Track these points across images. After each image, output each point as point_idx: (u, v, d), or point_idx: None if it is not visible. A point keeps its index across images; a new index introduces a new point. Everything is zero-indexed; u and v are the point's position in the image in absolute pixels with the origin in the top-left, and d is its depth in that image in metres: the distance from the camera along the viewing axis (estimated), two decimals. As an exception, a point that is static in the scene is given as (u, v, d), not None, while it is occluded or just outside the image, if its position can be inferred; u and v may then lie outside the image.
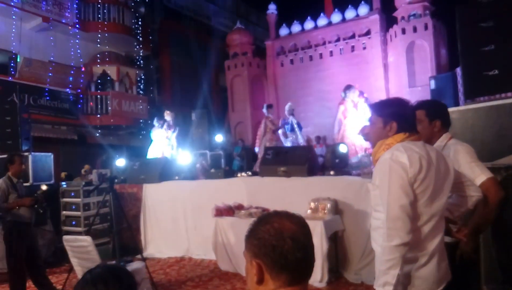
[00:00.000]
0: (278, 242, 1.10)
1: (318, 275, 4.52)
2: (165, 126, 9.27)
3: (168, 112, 9.52)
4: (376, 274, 1.87)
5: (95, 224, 6.37)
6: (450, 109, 3.89)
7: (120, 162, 7.55)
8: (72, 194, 6.96)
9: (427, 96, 5.72)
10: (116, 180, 6.96)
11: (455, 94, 6.22)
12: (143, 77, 15.36)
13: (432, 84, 6.06)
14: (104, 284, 1.25)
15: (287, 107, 9.42)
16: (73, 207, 6.93)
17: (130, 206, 6.93)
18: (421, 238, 1.83)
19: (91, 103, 13.58)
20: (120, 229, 5.58)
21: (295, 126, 8.99)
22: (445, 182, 1.91)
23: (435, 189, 1.85)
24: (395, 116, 1.97)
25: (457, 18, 3.92)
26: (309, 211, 5.06)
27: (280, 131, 9.13)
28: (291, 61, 12.21)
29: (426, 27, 9.31)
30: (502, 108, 3.54)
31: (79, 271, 4.30)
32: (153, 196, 6.69)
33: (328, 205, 4.97)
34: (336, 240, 4.98)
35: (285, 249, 1.10)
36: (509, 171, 2.63)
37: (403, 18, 9.80)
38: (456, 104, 6.15)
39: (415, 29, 9.45)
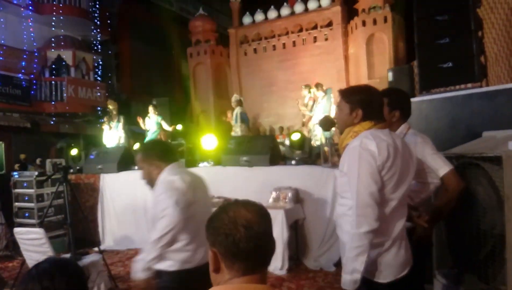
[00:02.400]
0: (231, 230, 1.10)
1: (279, 262, 4.58)
2: (109, 117, 9.03)
3: (110, 101, 9.25)
4: (343, 261, 1.90)
5: (49, 216, 6.12)
6: (406, 100, 4.03)
7: (74, 151, 7.25)
8: (25, 184, 6.65)
9: (385, 87, 5.88)
10: (71, 170, 6.73)
11: (412, 86, 6.43)
12: (101, 62, 14.76)
13: (390, 76, 6.24)
14: (50, 279, 1.19)
15: (233, 98, 9.41)
16: (26, 198, 6.63)
17: (87, 197, 6.70)
18: (386, 223, 1.87)
19: (45, 89, 12.92)
20: (75, 221, 5.38)
21: (238, 117, 8.99)
22: (409, 169, 1.95)
23: (400, 176, 1.89)
24: (361, 104, 1.98)
25: (414, 11, 4.03)
26: (270, 200, 5.10)
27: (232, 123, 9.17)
28: (255, 50, 12.16)
29: (385, 20, 9.54)
30: (455, 100, 3.70)
31: (31, 265, 4.11)
32: (111, 186, 6.50)
33: (289, 194, 5.04)
34: (296, 228, 5.05)
35: (237, 237, 1.09)
36: (460, 160, 2.74)
37: (363, 10, 9.98)
38: (412, 95, 6.32)
39: (375, 22, 9.66)
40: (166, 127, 8.87)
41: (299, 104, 8.56)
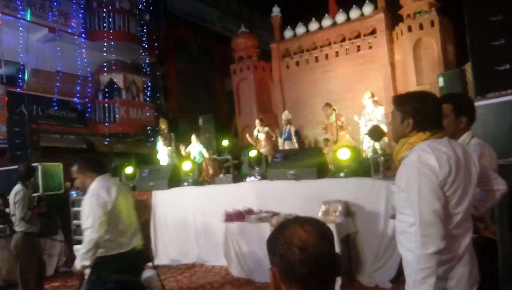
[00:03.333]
0: (285, 251, 1.04)
1: (331, 279, 4.46)
2: (162, 136, 9.38)
3: (162, 120, 9.58)
4: (409, 284, 1.80)
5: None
6: (462, 106, 3.83)
7: (129, 169, 7.55)
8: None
9: (436, 93, 5.64)
10: (125, 188, 7.01)
11: (464, 90, 6.12)
12: (149, 84, 15.43)
13: (441, 81, 5.97)
14: None
15: (283, 116, 9.47)
16: (84, 216, 6.95)
17: (140, 214, 6.88)
18: (451, 240, 1.75)
19: (98, 112, 13.66)
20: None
21: (292, 134, 9.03)
22: (472, 179, 1.83)
23: (464, 188, 1.78)
24: (412, 112, 1.88)
25: (465, 13, 3.85)
26: (320, 214, 4.99)
27: (279, 140, 9.21)
28: (297, 63, 12.16)
29: (432, 24, 9.20)
30: (515, 104, 3.47)
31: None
32: (163, 203, 6.68)
33: (339, 208, 4.91)
34: (348, 243, 4.90)
35: (291, 259, 1.02)
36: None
37: (408, 15, 9.70)
38: (467, 100, 6.05)
39: (421, 26, 9.35)
40: (205, 154, 9.13)
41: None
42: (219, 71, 18.92)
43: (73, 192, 7.41)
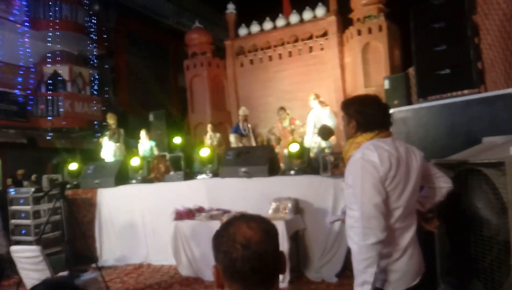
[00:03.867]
0: (229, 248, 1.03)
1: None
2: (110, 131, 9.03)
3: (110, 114, 9.24)
4: (354, 273, 1.88)
5: (46, 233, 6.04)
6: (404, 108, 4.02)
7: (73, 166, 7.19)
8: (21, 201, 6.57)
9: (381, 95, 5.90)
10: (68, 186, 6.66)
11: (408, 93, 6.44)
12: (97, 77, 14.81)
13: (386, 84, 6.25)
14: None
15: (241, 112, 9.47)
16: (23, 215, 6.55)
17: (84, 213, 6.62)
18: (394, 233, 1.87)
19: (41, 105, 12.90)
20: (73, 237, 5.31)
21: (250, 131, 9.06)
22: (414, 175, 1.94)
23: (405, 184, 1.89)
24: (355, 114, 2.02)
25: (411, 19, 4.04)
26: (270, 211, 5.04)
27: (232, 136, 9.18)
28: (251, 61, 12.18)
29: (380, 29, 9.59)
30: (453, 106, 3.68)
31: (28, 284, 4.03)
32: (109, 201, 6.42)
33: (289, 205, 4.98)
34: (297, 239, 4.99)
35: (234, 256, 1.02)
36: (461, 166, 2.71)
37: (358, 19, 10.04)
38: (409, 103, 6.37)
39: (370, 31, 9.71)
40: (156, 151, 8.88)
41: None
42: (172, 67, 18.55)
43: (11, 190, 6.95)
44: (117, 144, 8.91)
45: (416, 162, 1.97)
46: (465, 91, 3.88)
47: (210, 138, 9.53)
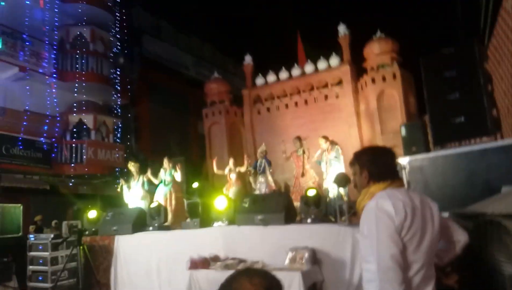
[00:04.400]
0: None
1: (298, 329, 4.33)
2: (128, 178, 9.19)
3: (131, 163, 9.44)
4: None
5: (62, 280, 6.04)
6: (420, 156, 4.00)
7: (92, 212, 7.28)
8: (40, 247, 6.65)
9: (399, 142, 5.87)
10: (87, 232, 6.72)
11: (425, 140, 6.38)
12: (120, 125, 15.29)
13: (403, 131, 6.22)
14: None
15: (259, 149, 9.66)
16: (41, 261, 6.60)
17: (101, 260, 6.60)
18: (413, 287, 1.78)
19: (65, 152, 13.31)
20: (88, 285, 5.29)
21: (267, 166, 9.15)
22: (431, 227, 1.89)
23: (422, 235, 1.84)
24: (366, 164, 2.03)
25: (422, 68, 4.12)
26: (287, 261, 4.92)
27: (251, 169, 9.31)
28: (268, 109, 12.45)
29: (394, 77, 9.75)
30: (470, 155, 3.65)
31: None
32: (126, 248, 6.41)
33: (306, 255, 4.85)
34: (315, 292, 4.82)
35: None
36: (480, 218, 2.64)
37: (372, 68, 10.26)
38: (427, 150, 6.31)
39: (384, 79, 9.88)
40: (178, 178, 8.93)
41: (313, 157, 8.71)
42: (192, 115, 19.06)
43: (31, 236, 7.05)
44: (141, 189, 9.02)
45: (432, 214, 1.93)
46: (482, 139, 3.85)
47: (230, 170, 9.56)
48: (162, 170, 9.14)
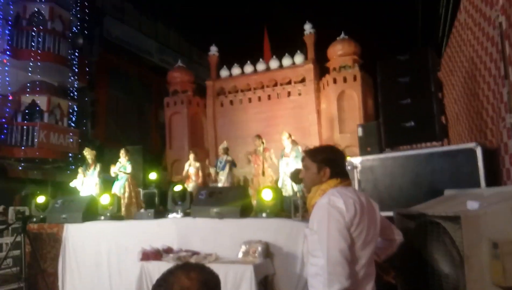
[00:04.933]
0: None
1: (245, 322, 4.39)
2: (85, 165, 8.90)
3: (87, 149, 9.15)
4: None
5: (5, 268, 5.76)
6: (371, 157, 4.15)
7: (41, 199, 6.98)
8: (-18, 234, 6.29)
9: (355, 142, 6.08)
10: (34, 219, 6.45)
11: (379, 141, 6.61)
12: (76, 109, 14.71)
13: (360, 131, 6.42)
14: None
15: (221, 145, 9.66)
16: (-17, 248, 6.26)
17: (49, 248, 6.36)
18: (358, 281, 1.86)
19: (16, 134, 12.65)
20: (33, 274, 5.09)
21: (226, 164, 9.16)
22: (375, 225, 2.00)
23: (367, 232, 1.93)
24: (328, 162, 2.07)
25: (378, 72, 4.26)
26: (240, 254, 4.97)
27: (212, 170, 9.27)
28: (231, 102, 12.43)
29: (355, 78, 10.05)
30: (417, 158, 3.82)
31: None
32: (75, 237, 6.20)
33: (259, 248, 4.92)
34: (266, 285, 4.90)
35: None
36: (421, 218, 2.79)
37: (334, 68, 10.51)
38: (381, 150, 6.55)
39: (345, 80, 10.15)
40: (128, 169, 8.76)
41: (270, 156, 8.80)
42: (154, 103, 18.67)
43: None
44: (94, 178, 8.75)
45: (375, 212, 2.04)
46: (429, 143, 4.05)
47: (189, 165, 9.50)
48: (118, 162, 8.91)
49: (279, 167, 8.36)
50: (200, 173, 9.61)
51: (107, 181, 9.71)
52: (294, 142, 8.51)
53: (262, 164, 8.94)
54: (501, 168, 3.52)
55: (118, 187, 8.75)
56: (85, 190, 8.74)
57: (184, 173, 9.71)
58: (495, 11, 3.26)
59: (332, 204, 1.88)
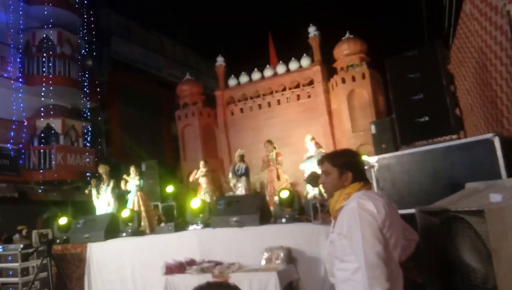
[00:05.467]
0: None
1: (275, 329, 4.38)
2: (97, 182, 9.01)
3: (101, 165, 9.26)
4: None
5: (34, 291, 5.87)
6: (387, 155, 4.12)
7: (63, 220, 7.10)
8: (10, 258, 6.43)
9: (369, 140, 6.05)
10: (58, 241, 6.57)
11: (394, 137, 6.56)
12: (90, 129, 14.96)
13: (373, 129, 6.38)
14: None
15: (237, 153, 9.69)
16: (10, 272, 6.38)
17: (74, 268, 6.46)
18: (394, 283, 1.85)
19: (33, 158, 12.90)
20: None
21: (243, 172, 9.20)
22: (399, 226, 2.00)
23: (397, 233, 1.93)
24: (349, 166, 2.07)
25: (387, 70, 4.25)
26: (263, 261, 4.97)
27: (229, 179, 9.31)
28: (241, 110, 12.49)
29: (363, 76, 10.01)
30: (434, 153, 3.79)
31: None
32: (99, 256, 6.29)
33: (281, 254, 4.92)
34: (291, 290, 4.89)
35: None
36: (444, 214, 2.76)
37: (342, 68, 10.49)
38: (396, 146, 6.50)
39: (353, 78, 10.12)
40: (132, 184, 8.86)
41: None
42: (165, 117, 18.86)
43: (0, 247, 6.81)
44: (110, 195, 8.86)
45: (398, 213, 2.03)
46: (446, 137, 4.00)
47: (200, 172, 9.51)
48: (129, 182, 9.03)
49: (304, 170, 8.33)
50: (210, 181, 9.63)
51: (122, 196, 9.81)
52: (318, 145, 8.52)
53: (276, 169, 8.95)
54: (520, 157, 3.46)
55: (130, 202, 8.83)
56: (100, 206, 8.85)
57: (191, 178, 9.73)
58: (501, 0, 3.23)
59: (362, 207, 1.87)
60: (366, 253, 1.79)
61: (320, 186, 6.70)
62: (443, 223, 2.75)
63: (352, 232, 1.87)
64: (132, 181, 8.88)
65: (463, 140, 3.77)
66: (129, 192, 8.93)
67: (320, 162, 2.23)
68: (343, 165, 2.07)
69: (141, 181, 9.01)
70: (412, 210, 2.99)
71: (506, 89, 3.64)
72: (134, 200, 8.75)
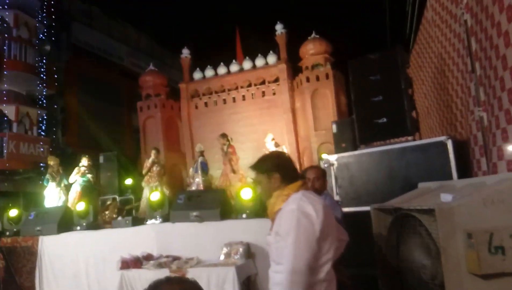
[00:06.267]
0: None
1: (231, 323, 4.39)
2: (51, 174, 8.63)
3: (50, 156, 8.89)
4: None
5: (-22, 286, 5.55)
6: (346, 154, 4.23)
7: (13, 212, 6.75)
8: (-45, 251, 6.04)
9: (330, 138, 6.18)
10: (7, 233, 6.25)
11: (354, 137, 6.74)
12: (45, 117, 14.30)
13: (334, 128, 6.52)
14: None
15: (196, 148, 9.62)
16: (-47, 266, 5.99)
17: (24, 262, 6.17)
18: (326, 286, 1.86)
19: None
20: (9, 289, 4.94)
21: (199, 167, 9.12)
22: (334, 227, 1.99)
23: (332, 235, 1.92)
24: (275, 168, 2.04)
25: (349, 71, 4.35)
26: (222, 256, 4.96)
27: (190, 172, 9.24)
28: (205, 104, 12.38)
29: (327, 77, 10.21)
30: (391, 153, 3.92)
31: None
32: (51, 249, 6.04)
33: (240, 249, 4.93)
34: (249, 285, 4.91)
35: None
36: (397, 212, 2.86)
37: (307, 67, 10.64)
38: (356, 146, 6.69)
39: (318, 78, 10.31)
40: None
41: None
42: (126, 107, 18.35)
43: None
44: (58, 188, 8.50)
45: (332, 215, 2.02)
46: (402, 138, 4.15)
47: (152, 162, 9.30)
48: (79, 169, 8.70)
49: None
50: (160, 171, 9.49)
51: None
52: (277, 144, 8.61)
53: (229, 163, 8.90)
54: (471, 159, 3.65)
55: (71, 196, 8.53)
56: (50, 198, 8.49)
57: (144, 170, 9.55)
58: (460, 9, 3.38)
59: (301, 210, 1.84)
60: (295, 257, 1.78)
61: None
62: (396, 220, 2.86)
63: (288, 235, 1.84)
64: (73, 177, 8.56)
65: (418, 142, 3.92)
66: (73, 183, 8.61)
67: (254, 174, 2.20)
68: (268, 169, 2.05)
69: (85, 178, 8.67)
70: (367, 208, 3.09)
71: (461, 94, 3.82)
72: (73, 196, 8.45)
